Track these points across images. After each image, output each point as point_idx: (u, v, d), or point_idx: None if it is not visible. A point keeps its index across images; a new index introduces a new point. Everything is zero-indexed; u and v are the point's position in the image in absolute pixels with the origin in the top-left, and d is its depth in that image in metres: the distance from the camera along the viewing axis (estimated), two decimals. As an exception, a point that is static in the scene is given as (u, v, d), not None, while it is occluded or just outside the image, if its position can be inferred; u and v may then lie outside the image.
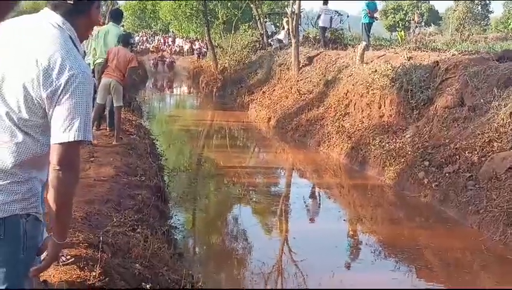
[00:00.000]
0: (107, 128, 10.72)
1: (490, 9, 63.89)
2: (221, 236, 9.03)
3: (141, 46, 54.43)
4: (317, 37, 24.68)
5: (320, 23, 22.59)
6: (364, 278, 7.24)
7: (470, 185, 9.31)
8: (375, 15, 19.42)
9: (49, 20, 2.61)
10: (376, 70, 14.37)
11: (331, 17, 22.67)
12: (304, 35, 26.14)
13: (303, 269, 7.25)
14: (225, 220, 10.00)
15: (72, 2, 2.62)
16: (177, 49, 50.37)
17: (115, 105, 10.04)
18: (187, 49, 48.56)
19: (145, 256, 5.19)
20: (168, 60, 47.79)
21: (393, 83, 13.39)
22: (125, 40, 10.24)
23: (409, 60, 13.90)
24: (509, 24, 40.34)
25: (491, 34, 36.56)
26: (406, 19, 59.62)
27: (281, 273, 7.37)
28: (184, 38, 50.41)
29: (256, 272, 7.19)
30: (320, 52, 20.90)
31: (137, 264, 4.88)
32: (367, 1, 18.52)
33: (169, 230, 7.42)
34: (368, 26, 18.79)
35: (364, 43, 17.00)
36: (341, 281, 6.89)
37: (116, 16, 11.84)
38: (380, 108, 13.72)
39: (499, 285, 7.01)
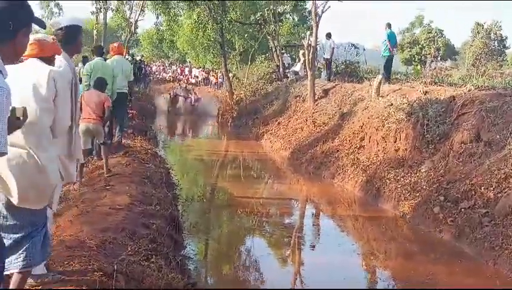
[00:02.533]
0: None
1: (507, 45, 63.88)
2: (234, 267, 8.99)
3: (158, 76, 54.89)
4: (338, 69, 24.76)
5: (326, 55, 22.72)
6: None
7: (485, 221, 9.23)
8: (394, 51, 19.24)
9: None
10: (392, 104, 14.39)
11: (333, 48, 22.79)
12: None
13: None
14: (238, 250, 9.96)
15: None
16: (194, 80, 50.49)
17: (99, 142, 10.11)
18: (202, 80, 48.71)
19: (158, 286, 5.19)
20: (193, 96, 38.08)
21: (409, 117, 13.38)
22: (99, 84, 10.36)
23: (425, 94, 13.90)
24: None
25: (507, 70, 36.46)
26: (422, 53, 59.73)
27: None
28: (200, 69, 50.71)
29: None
30: (336, 85, 20.97)
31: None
32: (389, 32, 18.41)
33: (183, 260, 7.41)
34: (388, 61, 18.62)
35: (380, 76, 17.01)
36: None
37: (99, 51, 12.83)
38: (395, 142, 13.70)
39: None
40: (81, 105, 9.79)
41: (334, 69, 24.47)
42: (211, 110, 34.33)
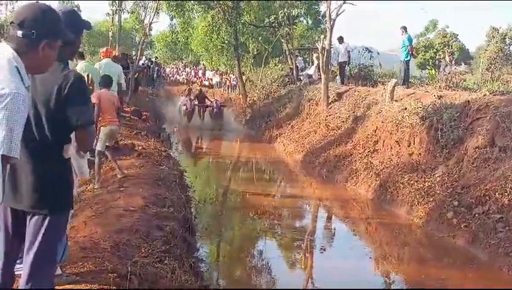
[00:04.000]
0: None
1: (522, 50, 63.35)
2: (247, 269, 9.01)
3: (171, 78, 55.10)
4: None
5: (340, 58, 22.69)
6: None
7: (499, 227, 9.18)
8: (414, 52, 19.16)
9: (2, 51, 2.96)
10: (406, 108, 14.33)
11: (349, 51, 22.73)
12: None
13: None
14: (250, 253, 9.97)
15: (21, 37, 2.98)
16: (207, 83, 50.52)
17: (108, 144, 9.88)
18: (216, 82, 48.71)
19: (172, 288, 5.20)
20: (214, 104, 29.88)
21: (423, 122, 13.33)
22: (106, 82, 9.95)
23: (439, 99, 13.83)
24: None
25: (522, 74, 36.15)
26: (437, 57, 59.46)
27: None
28: (214, 71, 50.75)
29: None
30: (350, 88, 20.92)
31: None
32: (407, 36, 18.36)
33: (196, 262, 7.42)
34: (407, 64, 18.56)
35: (394, 80, 16.96)
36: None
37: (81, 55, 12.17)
38: (409, 146, 13.65)
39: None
40: (99, 104, 9.57)
41: (348, 73, 24.44)
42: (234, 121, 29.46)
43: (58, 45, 3.20)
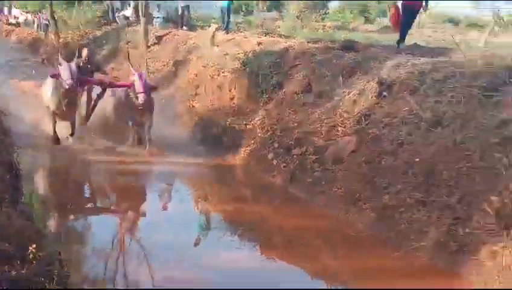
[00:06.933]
0: None
1: (328, -1, 66.42)
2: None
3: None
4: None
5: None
6: (211, 254, 7.43)
7: (316, 166, 9.89)
8: None
9: None
10: (227, 54, 14.66)
11: None
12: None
13: (146, 247, 7.39)
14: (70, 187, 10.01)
15: None
16: (14, 21, 47.36)
17: None
18: (24, 21, 45.84)
19: (10, 235, 5.08)
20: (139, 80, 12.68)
21: (244, 67, 13.75)
22: None
23: (258, 45, 14.30)
24: (346, 14, 42.39)
25: (328, 23, 38.15)
26: (249, 3, 60.58)
27: (122, 250, 7.44)
28: (21, 9, 47.62)
29: (99, 249, 7.34)
30: (169, 32, 20.86)
31: (5, 243, 4.78)
32: None
33: (27, 206, 7.22)
34: (228, 10, 18.62)
35: (214, 25, 17.18)
36: (187, 258, 7.09)
37: None
38: (230, 91, 14.02)
39: (338, 260, 7.52)
40: None
41: (165, 16, 24.29)
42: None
43: None
